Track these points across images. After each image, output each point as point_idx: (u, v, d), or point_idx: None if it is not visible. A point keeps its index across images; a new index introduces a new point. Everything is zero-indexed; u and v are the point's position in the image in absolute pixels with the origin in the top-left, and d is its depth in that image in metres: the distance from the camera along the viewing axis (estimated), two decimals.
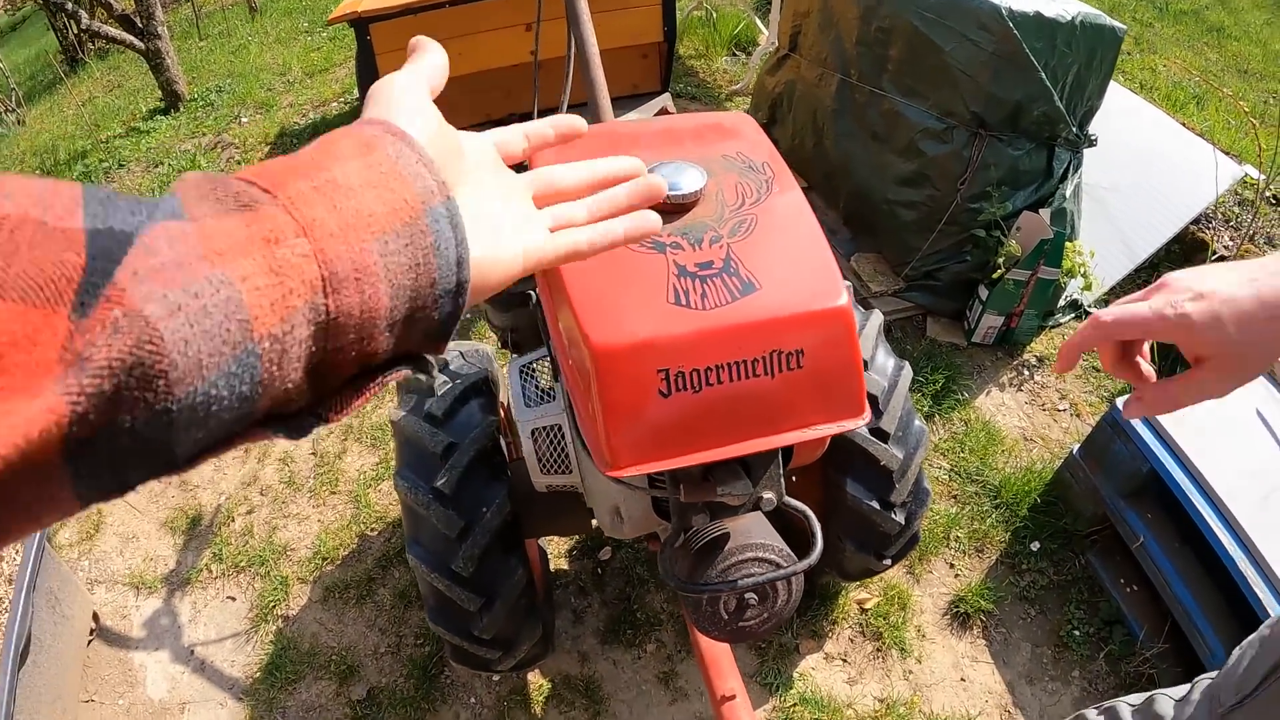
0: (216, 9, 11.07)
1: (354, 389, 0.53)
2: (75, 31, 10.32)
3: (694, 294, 1.45)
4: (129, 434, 0.40)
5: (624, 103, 4.78)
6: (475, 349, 2.56)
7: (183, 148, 6.59)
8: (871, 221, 4.35)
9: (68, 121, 8.86)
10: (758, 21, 6.74)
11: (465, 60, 4.37)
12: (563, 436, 2.02)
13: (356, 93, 6.75)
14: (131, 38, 7.26)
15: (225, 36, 9.51)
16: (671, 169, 1.60)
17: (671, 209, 1.58)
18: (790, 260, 1.53)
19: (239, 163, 6.17)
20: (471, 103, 4.65)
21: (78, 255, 0.39)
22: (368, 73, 4.36)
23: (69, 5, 7.35)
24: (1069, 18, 3.45)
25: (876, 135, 4.17)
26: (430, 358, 0.58)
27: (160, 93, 7.59)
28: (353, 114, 6.49)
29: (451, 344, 2.57)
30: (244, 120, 6.79)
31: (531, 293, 2.18)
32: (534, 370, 2.18)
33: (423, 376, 0.57)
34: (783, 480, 1.65)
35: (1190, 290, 0.91)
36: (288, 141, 6.32)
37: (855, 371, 1.51)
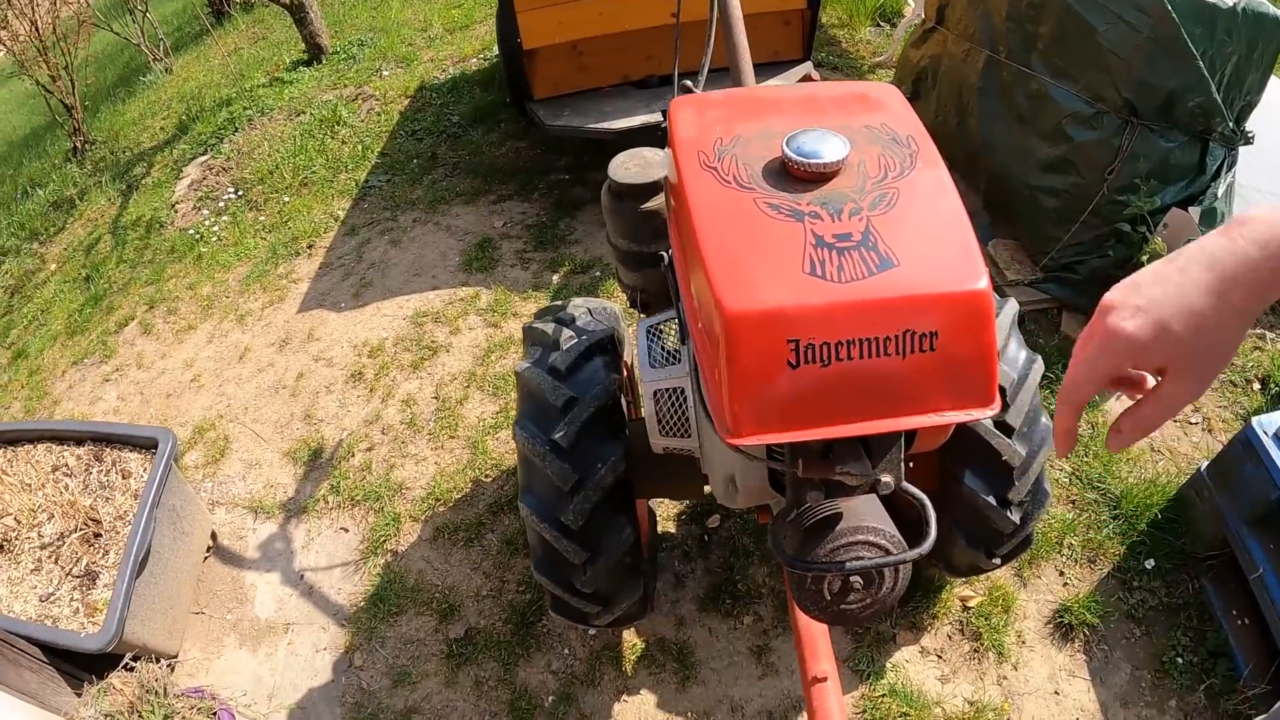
0: None
1: None
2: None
3: (830, 265, 1.40)
4: None
5: (764, 70, 4.73)
6: (603, 306, 2.57)
7: (324, 98, 6.78)
8: (1011, 207, 4.24)
9: (213, 71, 9.19)
10: None
11: (606, 19, 4.41)
12: (685, 400, 2.03)
13: (496, 49, 6.81)
14: None
15: None
16: (814, 136, 1.57)
17: (811, 177, 1.54)
18: (931, 237, 1.48)
19: (379, 115, 6.31)
20: (612, 63, 4.71)
21: None
22: (509, 30, 4.43)
23: None
24: (1231, 4, 3.26)
25: (1022, 117, 4.05)
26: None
27: (304, 45, 7.80)
28: (492, 70, 6.59)
29: (580, 300, 2.58)
30: (385, 74, 6.96)
31: (665, 254, 2.15)
32: (661, 331, 2.17)
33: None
34: (902, 465, 1.59)
35: (1127, 307, 0.90)
36: (427, 95, 6.47)
37: (989, 358, 1.44)
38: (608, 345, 2.39)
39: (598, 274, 4.42)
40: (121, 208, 6.70)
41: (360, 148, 6.02)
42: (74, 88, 8.45)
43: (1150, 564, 3.02)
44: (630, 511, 2.32)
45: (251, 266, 5.20)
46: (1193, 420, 3.54)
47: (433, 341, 4.22)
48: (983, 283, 1.41)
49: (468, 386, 3.99)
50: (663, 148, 2.10)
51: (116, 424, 3.81)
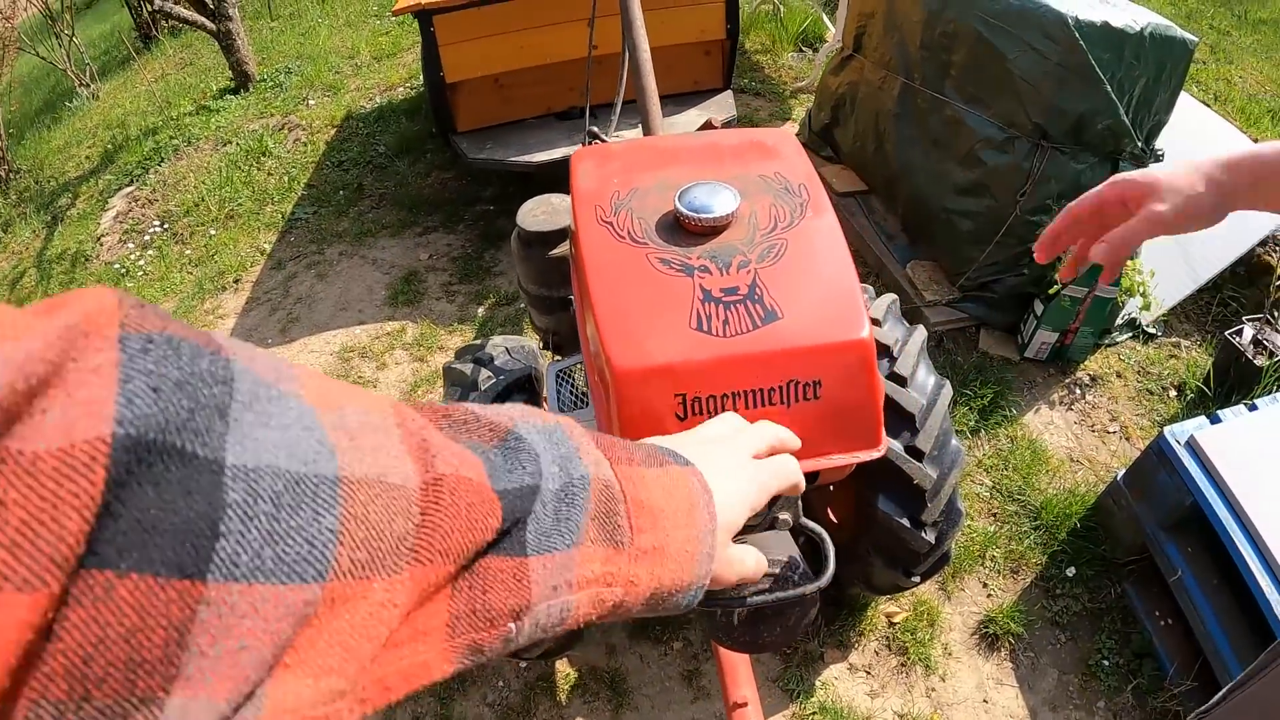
0: None
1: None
2: (148, 10, 10.53)
3: (716, 320, 1.46)
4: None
5: (685, 100, 4.81)
6: (521, 345, 2.61)
7: (251, 128, 6.75)
8: (929, 229, 4.34)
9: (140, 98, 9.10)
10: (825, 18, 6.74)
11: (527, 53, 4.47)
12: None
13: (422, 80, 6.85)
14: (203, 19, 7.45)
15: (296, 18, 9.71)
16: (705, 190, 1.64)
17: (702, 230, 1.59)
18: (815, 288, 1.53)
19: (306, 145, 6.29)
20: (534, 95, 4.75)
21: (496, 520, 0.53)
22: (432, 63, 4.48)
23: None
24: (1138, 28, 3.38)
25: (937, 142, 4.16)
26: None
27: (230, 73, 7.76)
28: (419, 99, 6.61)
29: (499, 339, 2.63)
30: (311, 103, 6.95)
31: (572, 298, 2.21)
32: (571, 374, 2.21)
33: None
34: (799, 502, 1.66)
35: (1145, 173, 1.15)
36: (354, 124, 6.47)
37: (874, 404, 1.51)
38: (525, 384, 2.44)
39: (522, 306, 4.45)
40: (46, 240, 6.62)
41: (286, 179, 6.00)
42: None
43: (1072, 571, 3.10)
44: None
45: (177, 302, 5.17)
46: (1110, 429, 3.67)
47: (359, 377, 4.22)
48: (864, 332, 1.47)
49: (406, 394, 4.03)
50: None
51: None
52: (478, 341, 2.69)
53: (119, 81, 10.55)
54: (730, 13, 4.74)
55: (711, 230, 1.60)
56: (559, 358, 2.33)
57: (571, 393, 2.20)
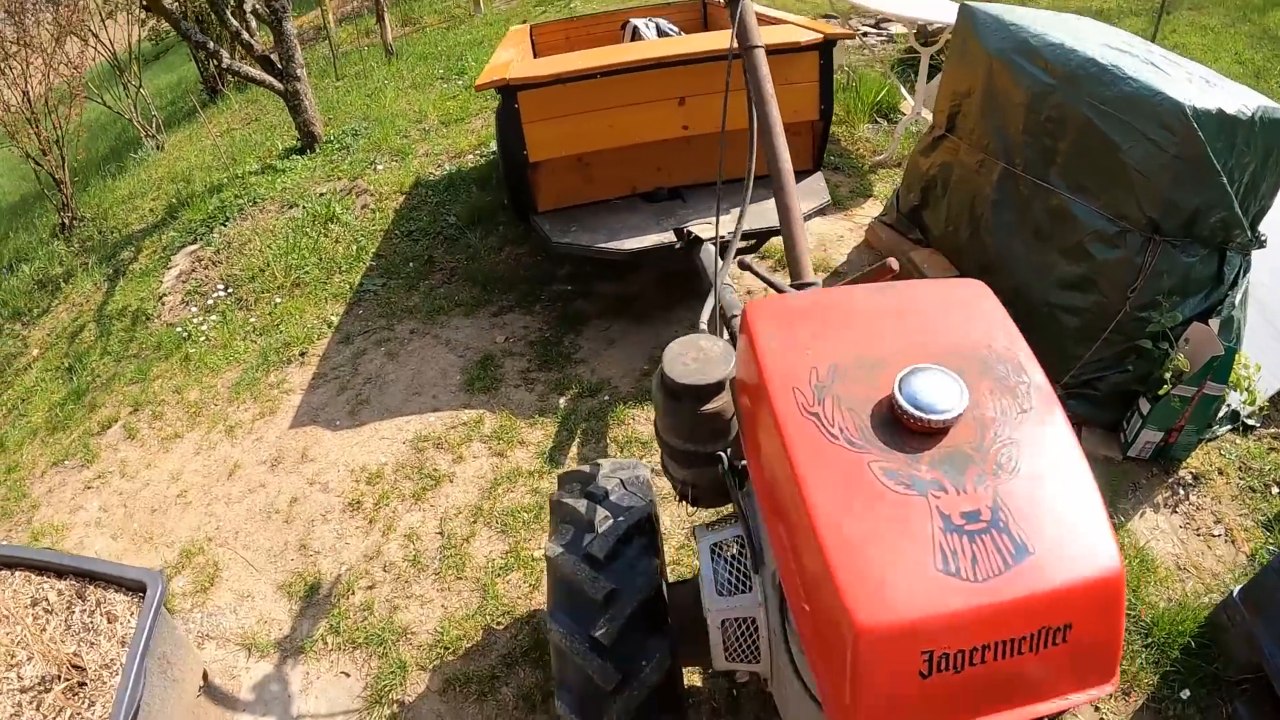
0: (353, 49, 11.15)
1: None
2: (215, 66, 10.41)
3: (963, 558, 1.26)
4: None
5: (769, 181, 4.48)
6: (636, 476, 2.31)
7: (318, 191, 6.50)
8: (1029, 322, 3.84)
9: (204, 151, 8.92)
10: (901, 89, 6.46)
11: (616, 133, 4.18)
12: (756, 630, 1.75)
13: (495, 146, 6.58)
14: (271, 78, 7.24)
15: (361, 78, 9.52)
16: (928, 382, 1.37)
17: (928, 431, 1.36)
18: (1058, 506, 1.33)
19: (374, 212, 6.03)
20: (619, 175, 4.47)
21: None
22: (514, 141, 4.15)
23: (210, 45, 7.30)
24: (1249, 114, 3.12)
25: (1040, 232, 3.85)
26: None
27: (297, 133, 7.54)
28: (489, 168, 6.35)
29: (607, 465, 2.30)
30: (379, 168, 6.70)
31: (724, 456, 1.89)
32: (726, 548, 1.90)
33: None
34: None
35: None
36: (423, 192, 6.20)
37: (1116, 639, 1.33)
38: (646, 525, 2.14)
39: (606, 398, 4.13)
40: (108, 294, 6.37)
41: (355, 248, 5.72)
42: (64, 162, 8.15)
43: (1186, 694, 2.82)
44: (679, 709, 2.10)
45: (241, 372, 4.87)
46: (1215, 532, 3.34)
47: (435, 470, 3.88)
48: (1116, 561, 1.28)
49: (474, 522, 3.65)
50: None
51: (102, 562, 3.43)
52: (585, 469, 2.38)
53: (184, 134, 10.42)
54: (824, 92, 4.43)
55: (938, 431, 1.38)
56: (705, 529, 2.02)
57: (730, 573, 1.88)
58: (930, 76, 5.35)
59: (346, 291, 5.29)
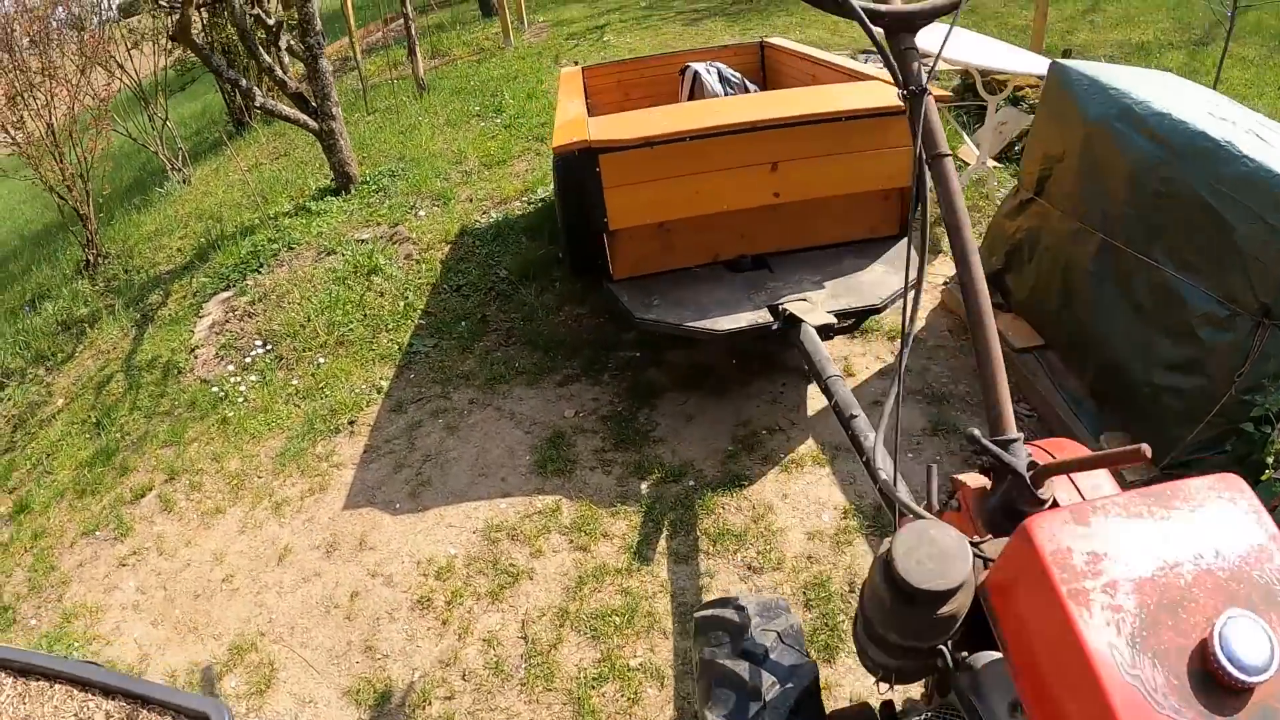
0: (382, 81, 10.85)
1: None
2: (243, 100, 10.16)
3: None
4: None
5: (862, 250, 4.18)
6: (789, 627, 2.01)
7: (358, 237, 6.17)
8: (1128, 400, 3.69)
9: (233, 188, 8.62)
10: (966, 139, 6.13)
11: (703, 199, 3.84)
12: None
13: (541, 193, 6.26)
14: (305, 117, 6.93)
15: (393, 113, 9.22)
16: (1241, 632, 1.16)
17: (1240, 688, 1.15)
18: None
19: (419, 263, 5.70)
20: (702, 242, 4.12)
21: None
22: (594, 206, 3.79)
23: (243, 82, 6.98)
24: None
25: (1141, 309, 3.56)
26: None
27: (331, 172, 7.21)
28: (538, 216, 6.02)
29: (751, 603, 1.97)
30: (421, 214, 6.37)
31: (945, 650, 1.55)
32: None
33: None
34: None
35: None
36: (470, 242, 5.87)
37: None
38: (814, 689, 1.85)
39: (691, 483, 3.76)
40: (136, 342, 6.04)
41: (401, 303, 5.37)
42: (88, 196, 7.84)
43: None
44: None
45: (285, 441, 4.51)
46: None
47: (511, 564, 3.51)
48: None
49: (560, 625, 3.26)
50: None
51: (158, 687, 3.05)
52: (727, 613, 2.03)
53: (211, 167, 10.11)
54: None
55: (1246, 689, 1.18)
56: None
57: None
58: (1028, 146, 5.01)
59: (395, 352, 4.95)
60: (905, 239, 4.31)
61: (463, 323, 5.07)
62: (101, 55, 8.96)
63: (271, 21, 7.00)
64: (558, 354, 4.68)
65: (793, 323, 3.61)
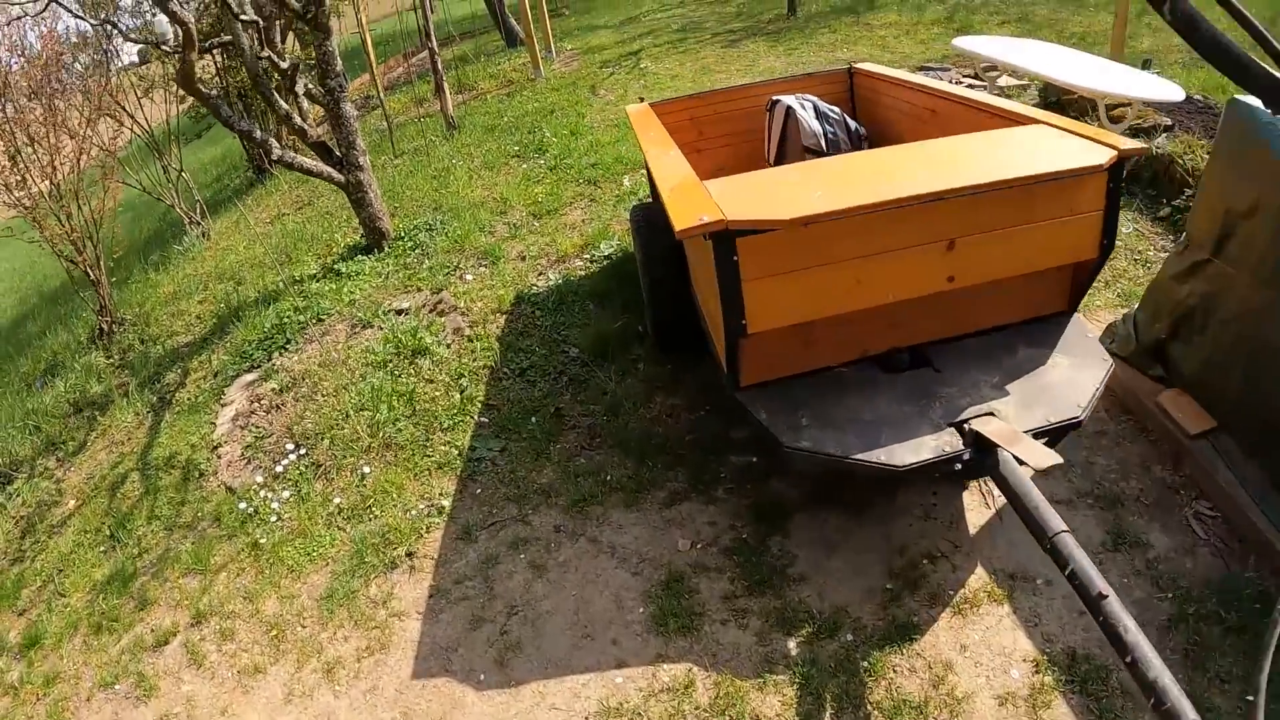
0: (408, 120, 10.04)
1: None
2: (259, 152, 9.40)
3: None
4: None
5: (1031, 337, 3.30)
6: None
7: (396, 306, 5.34)
8: None
9: (255, 243, 7.81)
10: None
11: (863, 291, 2.95)
12: None
13: (603, 249, 5.42)
14: (330, 169, 6.11)
15: (423, 155, 8.39)
16: None
17: None
18: None
19: (470, 340, 4.84)
20: (846, 336, 3.19)
21: None
22: (727, 302, 2.79)
23: (256, 133, 6.14)
24: None
25: None
26: None
27: (361, 228, 6.38)
28: (604, 277, 5.19)
29: None
30: (468, 277, 5.52)
31: None
32: None
33: None
34: None
35: None
36: (528, 312, 5.00)
37: None
38: None
39: (849, 638, 2.89)
40: (152, 433, 5.24)
41: (456, 395, 4.48)
42: (99, 261, 7.05)
43: None
44: None
45: (331, 578, 3.65)
46: None
47: None
48: None
49: None
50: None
51: None
52: None
53: (231, 218, 9.32)
54: (1109, 224, 3.13)
55: None
56: None
57: None
58: (1200, 197, 4.21)
59: (454, 459, 4.07)
60: (1076, 315, 3.45)
61: (533, 418, 4.20)
62: (109, 105, 8.19)
63: (285, 65, 6.15)
64: (656, 462, 3.79)
65: (985, 448, 2.77)
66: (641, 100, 4.93)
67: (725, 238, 2.68)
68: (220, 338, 6.05)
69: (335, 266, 6.23)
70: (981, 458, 2.76)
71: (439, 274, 5.65)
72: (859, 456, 2.77)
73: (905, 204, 2.74)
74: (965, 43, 6.70)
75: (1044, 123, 3.32)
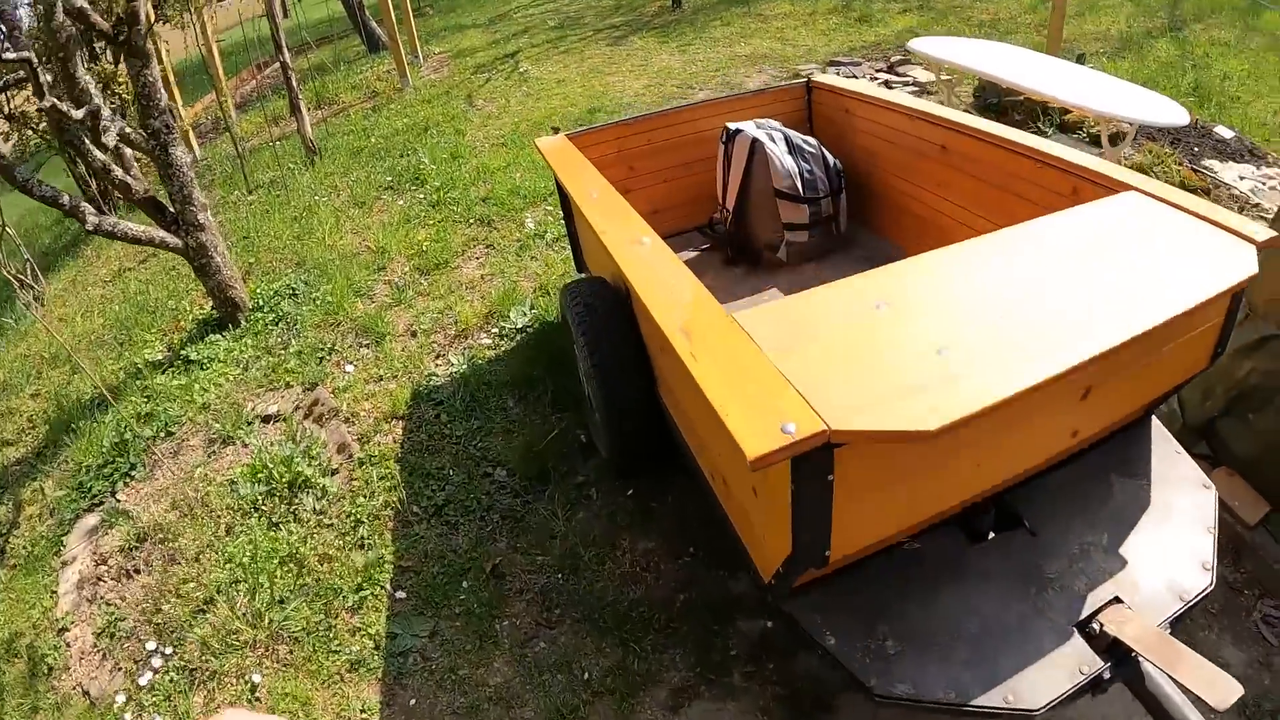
0: (262, 143, 8.64)
1: None
2: (81, 227, 7.97)
3: None
4: None
5: (1104, 453, 2.45)
6: None
7: (262, 410, 4.15)
8: None
9: (93, 310, 6.45)
10: None
11: (980, 476, 2.04)
12: None
13: (514, 318, 4.33)
14: (162, 234, 4.84)
15: (280, 189, 7.06)
16: None
17: None
18: None
19: (362, 465, 3.71)
20: (917, 500, 2.05)
21: None
22: (808, 523, 1.73)
23: (63, 199, 4.73)
24: None
25: None
26: None
27: (211, 300, 5.14)
28: (523, 351, 4.08)
29: None
30: (348, 368, 4.33)
31: None
32: None
33: None
34: None
35: None
36: (430, 415, 3.88)
37: None
38: None
39: None
40: None
41: (357, 556, 3.25)
42: None
43: None
44: None
45: None
46: None
47: None
48: None
49: None
50: None
51: None
52: None
53: (69, 276, 7.80)
54: (1225, 329, 2.29)
55: None
56: None
57: None
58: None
59: (370, 653, 2.89)
60: (1154, 423, 2.59)
61: (464, 583, 3.04)
62: None
63: (79, 114, 4.69)
64: (643, 640, 2.70)
65: (1122, 657, 1.90)
66: (556, 131, 3.80)
67: (819, 452, 1.63)
68: (55, 454, 4.76)
69: (184, 351, 4.96)
70: (1120, 668, 1.92)
71: (311, 362, 4.45)
72: (980, 701, 1.83)
73: (1073, 373, 1.76)
74: (922, 45, 5.82)
75: (1136, 189, 2.43)
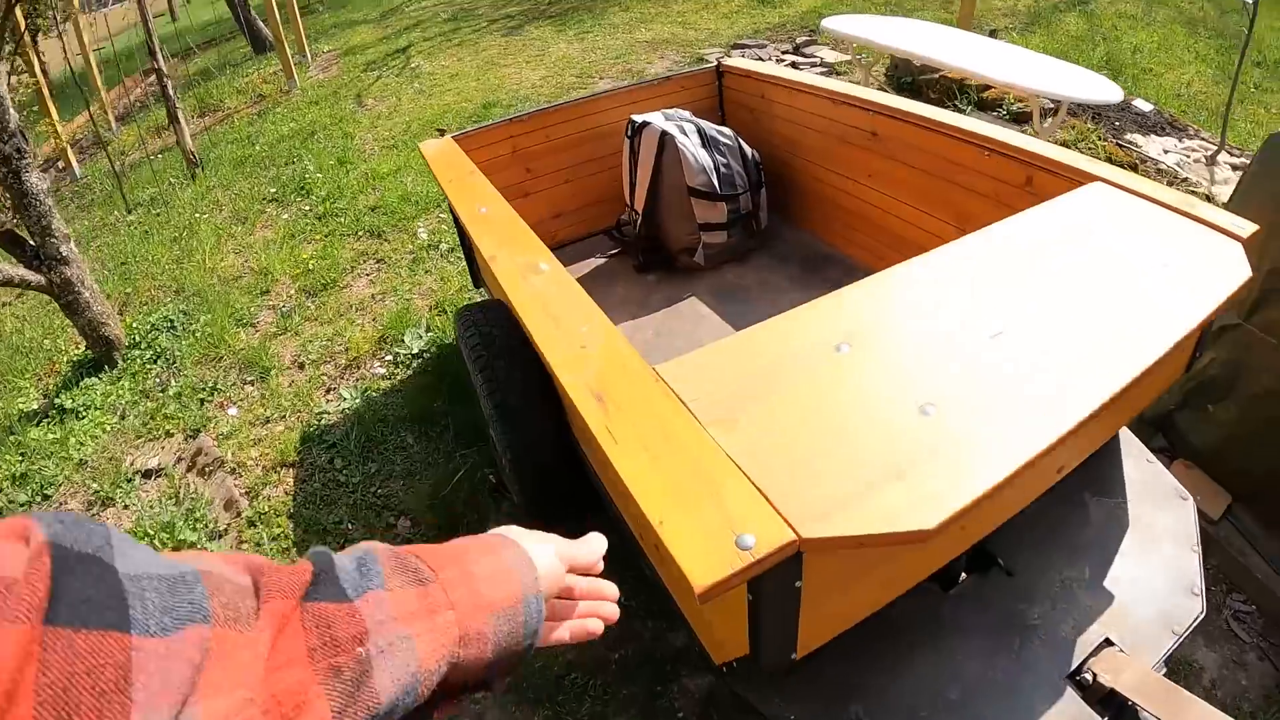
0: (142, 158, 8.02)
1: (451, 699, 0.68)
2: None
3: None
4: None
5: (1072, 485, 2.21)
6: None
7: (142, 465, 3.69)
8: None
9: None
10: None
11: (965, 535, 1.73)
12: None
13: (409, 342, 3.90)
14: (20, 272, 4.31)
15: (161, 207, 6.49)
16: None
17: None
18: None
19: (252, 523, 3.26)
20: (893, 570, 1.79)
21: (308, 571, 0.60)
22: (774, 630, 1.42)
23: None
24: None
25: None
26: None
27: (83, 338, 4.63)
28: (415, 387, 3.65)
29: None
30: (231, 411, 3.87)
31: None
32: None
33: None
34: None
35: None
36: (323, 462, 3.44)
37: None
38: None
39: None
40: None
41: None
42: None
43: None
44: None
45: None
46: None
47: None
48: None
49: None
50: None
51: None
52: None
53: None
54: (1203, 337, 2.04)
55: None
56: None
57: None
58: None
59: None
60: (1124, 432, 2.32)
61: None
62: None
63: None
64: (579, 710, 2.32)
65: (1119, 708, 1.68)
66: (442, 133, 3.36)
67: (786, 562, 1.27)
68: None
69: (59, 399, 4.44)
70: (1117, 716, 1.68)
71: (192, 405, 3.97)
72: None
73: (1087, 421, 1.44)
74: (836, 23, 5.48)
75: (1100, 179, 2.14)
